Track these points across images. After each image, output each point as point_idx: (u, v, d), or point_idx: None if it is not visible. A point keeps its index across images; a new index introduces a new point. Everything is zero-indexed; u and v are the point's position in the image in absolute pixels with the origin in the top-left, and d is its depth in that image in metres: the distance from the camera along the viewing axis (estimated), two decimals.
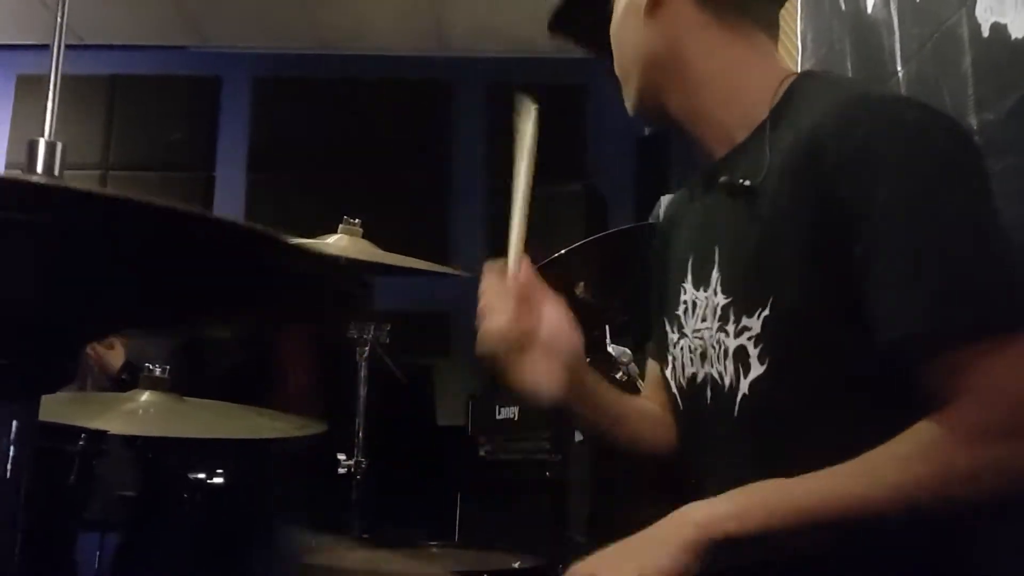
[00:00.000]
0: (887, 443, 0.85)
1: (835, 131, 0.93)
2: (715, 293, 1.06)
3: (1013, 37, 1.24)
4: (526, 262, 1.13)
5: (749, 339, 0.98)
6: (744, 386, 0.99)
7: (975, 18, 1.34)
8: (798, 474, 0.87)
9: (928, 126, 0.94)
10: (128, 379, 2.70)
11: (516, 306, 1.09)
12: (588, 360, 1.18)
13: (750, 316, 0.98)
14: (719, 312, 1.04)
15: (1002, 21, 1.27)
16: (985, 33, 1.32)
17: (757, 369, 0.97)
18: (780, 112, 1.03)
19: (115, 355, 2.93)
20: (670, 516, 0.89)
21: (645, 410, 1.26)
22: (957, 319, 0.85)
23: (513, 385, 1.10)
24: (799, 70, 2.18)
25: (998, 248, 0.88)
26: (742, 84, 1.07)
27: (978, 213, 0.89)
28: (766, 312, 0.96)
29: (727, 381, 1.02)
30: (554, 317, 1.11)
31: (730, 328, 1.01)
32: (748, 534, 0.85)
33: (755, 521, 0.85)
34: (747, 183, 1.01)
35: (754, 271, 0.99)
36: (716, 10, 1.09)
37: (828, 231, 0.91)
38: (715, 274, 1.06)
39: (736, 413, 1.00)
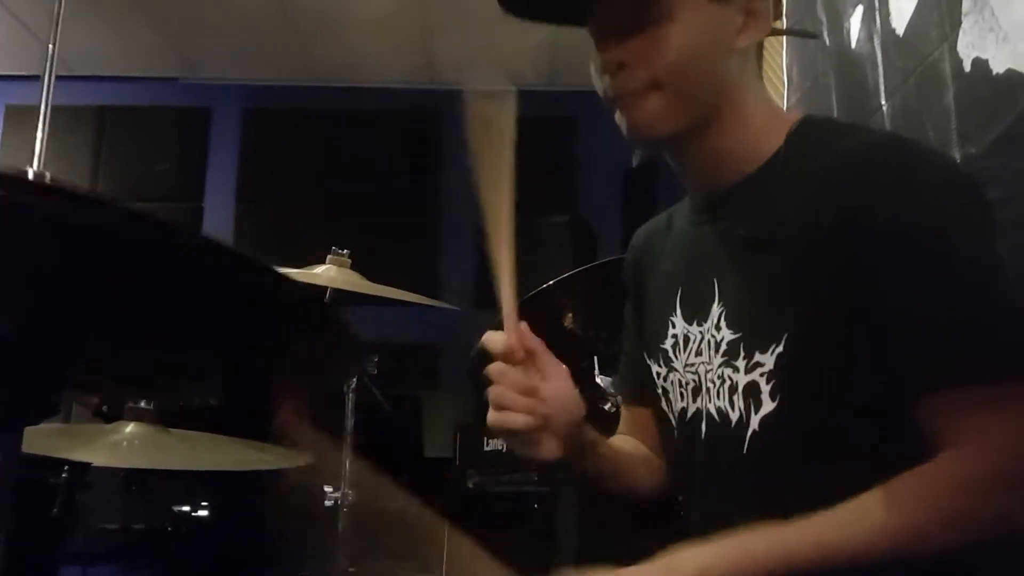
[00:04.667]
0: (878, 488, 0.86)
1: (854, 180, 0.94)
2: (716, 328, 1.04)
3: (995, 72, 1.26)
4: (524, 328, 1.06)
5: (761, 375, 0.97)
6: (755, 422, 0.98)
7: (957, 53, 1.36)
8: (805, 509, 0.87)
9: (944, 177, 0.96)
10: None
11: (531, 397, 1.03)
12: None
13: (763, 352, 0.97)
14: (725, 347, 1.03)
15: (983, 56, 1.29)
16: (967, 68, 1.33)
17: (768, 405, 0.97)
18: (789, 154, 1.03)
19: None
20: (661, 562, 0.89)
21: (639, 455, 1.25)
22: (965, 360, 0.87)
23: (517, 452, 1.07)
24: (785, 104, 2.22)
25: (1007, 300, 0.90)
26: (754, 123, 1.05)
27: (990, 263, 0.91)
28: (780, 349, 0.95)
29: (734, 417, 1.01)
30: (559, 385, 1.07)
31: (739, 364, 1.00)
32: None
33: (747, 572, 0.86)
34: (764, 227, 1.01)
35: (768, 308, 0.98)
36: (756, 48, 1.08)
37: (846, 275, 0.92)
38: (716, 308, 1.05)
39: (745, 450, 0.99)
